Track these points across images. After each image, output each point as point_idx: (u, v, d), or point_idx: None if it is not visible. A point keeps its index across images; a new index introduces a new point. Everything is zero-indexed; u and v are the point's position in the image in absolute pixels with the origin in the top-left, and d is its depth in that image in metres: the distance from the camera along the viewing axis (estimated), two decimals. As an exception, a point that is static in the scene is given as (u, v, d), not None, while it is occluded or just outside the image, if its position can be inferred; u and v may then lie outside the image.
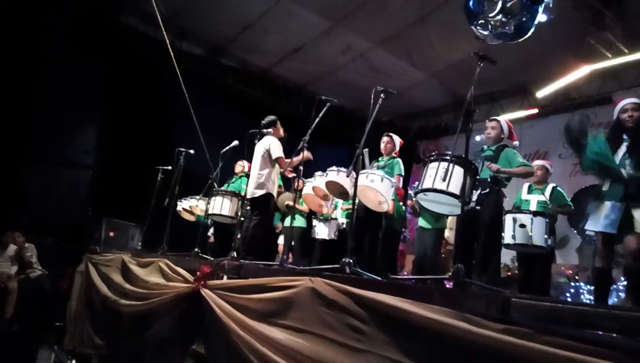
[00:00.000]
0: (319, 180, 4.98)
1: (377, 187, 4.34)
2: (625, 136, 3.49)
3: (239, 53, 9.37)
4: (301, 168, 4.33)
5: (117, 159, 7.99)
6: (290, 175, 5.35)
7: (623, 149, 3.45)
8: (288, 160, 5.02)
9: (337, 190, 4.75)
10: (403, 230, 6.70)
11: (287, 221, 6.50)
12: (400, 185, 5.16)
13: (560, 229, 6.90)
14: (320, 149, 8.59)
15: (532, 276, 4.87)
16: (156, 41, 7.58)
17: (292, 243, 6.80)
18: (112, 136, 8.13)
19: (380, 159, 5.33)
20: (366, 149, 5.02)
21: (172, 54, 6.10)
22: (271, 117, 5.41)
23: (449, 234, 5.72)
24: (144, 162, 7.23)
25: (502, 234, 4.45)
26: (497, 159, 4.27)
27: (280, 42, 8.66)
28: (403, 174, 5.18)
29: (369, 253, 4.92)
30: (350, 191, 4.37)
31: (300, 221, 6.91)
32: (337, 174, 4.62)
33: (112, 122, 8.22)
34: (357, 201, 4.43)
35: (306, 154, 4.47)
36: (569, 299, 6.13)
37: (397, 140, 5.36)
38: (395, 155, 5.29)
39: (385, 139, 5.35)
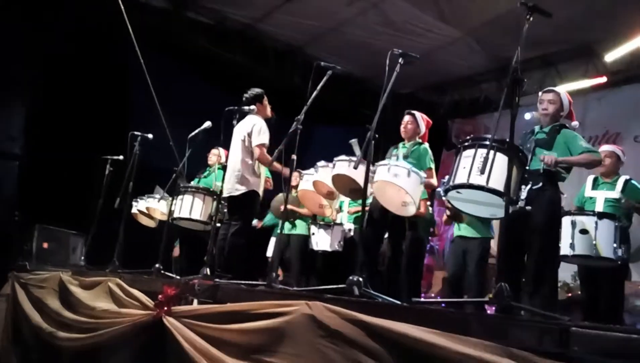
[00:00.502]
0: (323, 173, 4.91)
1: (402, 183, 4.29)
2: None
3: (212, 4, 9.26)
4: (294, 156, 4.27)
5: (52, 147, 7.94)
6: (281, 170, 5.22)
7: None
8: (270, 159, 5.00)
9: (347, 186, 4.70)
10: (430, 238, 6.68)
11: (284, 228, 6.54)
12: (435, 181, 5.12)
13: (637, 236, 6.89)
14: (321, 132, 8.90)
15: (600, 298, 4.89)
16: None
17: (287, 256, 7.03)
18: (45, 118, 8.09)
19: (402, 145, 5.28)
20: (354, 140, 5.03)
21: (122, 7, 6.12)
22: (256, 91, 5.39)
23: (493, 245, 5.73)
24: (87, 150, 7.16)
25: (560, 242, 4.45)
26: (551, 144, 4.23)
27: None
28: (433, 166, 5.18)
29: (389, 269, 4.98)
30: (367, 188, 4.36)
31: (301, 228, 7.01)
32: (348, 166, 4.55)
33: (46, 100, 8.18)
34: (370, 199, 4.66)
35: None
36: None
37: (423, 120, 5.32)
38: (421, 140, 5.26)
39: (406, 118, 5.31)
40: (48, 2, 7.94)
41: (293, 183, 5.24)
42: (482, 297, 4.70)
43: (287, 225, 6.89)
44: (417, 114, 5.35)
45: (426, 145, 5.23)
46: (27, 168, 8.10)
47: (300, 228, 7.07)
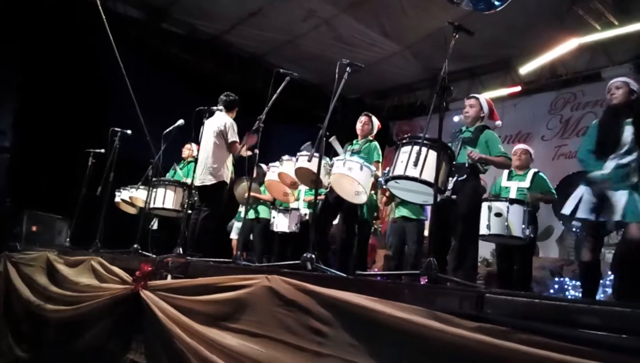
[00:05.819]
0: (287, 166, 4.99)
1: (355, 176, 4.35)
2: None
3: (184, 17, 9.11)
4: (256, 151, 4.34)
5: (40, 140, 7.82)
6: (246, 153, 5.33)
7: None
8: (239, 146, 5.15)
9: (308, 178, 4.77)
10: (374, 221, 6.74)
11: (249, 214, 6.67)
12: (380, 173, 5.20)
13: (544, 219, 7.09)
14: (280, 129, 8.86)
15: (512, 271, 5.02)
16: (84, 1, 7.17)
17: (251, 238, 7.06)
18: (33, 113, 7.92)
19: (355, 142, 5.35)
20: (333, 136, 5.07)
21: (103, 17, 6.03)
22: (234, 97, 5.50)
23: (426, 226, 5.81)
24: (72, 144, 7.09)
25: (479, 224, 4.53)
26: (476, 142, 4.36)
27: (232, 4, 8.48)
28: (381, 160, 5.29)
29: (343, 248, 5.05)
30: (325, 180, 4.50)
31: (264, 212, 7.11)
32: (309, 161, 4.43)
33: (33, 97, 7.96)
34: (326, 190, 4.80)
35: (250, 139, 4.60)
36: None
37: (376, 122, 5.42)
38: (371, 138, 5.35)
39: (363, 119, 5.37)
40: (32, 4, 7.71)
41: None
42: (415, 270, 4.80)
43: (251, 211, 6.92)
44: (373, 117, 5.43)
45: (376, 143, 5.33)
46: (17, 160, 7.90)
47: (264, 212, 7.09)
